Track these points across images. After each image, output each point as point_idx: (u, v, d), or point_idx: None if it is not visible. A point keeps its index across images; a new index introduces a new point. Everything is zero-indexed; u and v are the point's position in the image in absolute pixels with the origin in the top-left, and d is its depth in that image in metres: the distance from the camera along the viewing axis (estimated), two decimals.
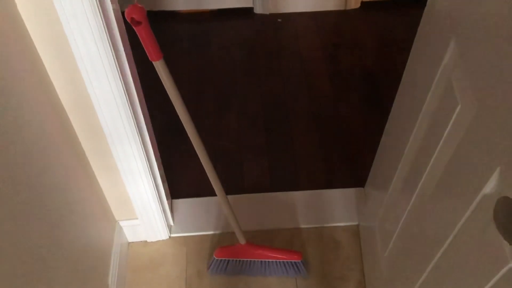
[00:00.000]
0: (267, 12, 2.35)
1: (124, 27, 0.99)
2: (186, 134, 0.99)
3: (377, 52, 2.16)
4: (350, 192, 1.61)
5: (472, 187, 0.67)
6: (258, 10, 2.35)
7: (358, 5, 2.37)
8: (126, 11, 0.75)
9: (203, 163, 1.07)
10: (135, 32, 0.79)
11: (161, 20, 2.31)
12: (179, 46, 2.20)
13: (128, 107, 1.04)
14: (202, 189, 1.62)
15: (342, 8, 2.36)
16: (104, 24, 0.87)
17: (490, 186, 0.62)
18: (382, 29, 2.28)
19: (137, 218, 1.41)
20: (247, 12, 2.36)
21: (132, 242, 1.50)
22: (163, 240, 1.50)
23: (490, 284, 0.61)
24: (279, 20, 2.33)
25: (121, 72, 0.98)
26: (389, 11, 2.36)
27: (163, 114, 1.82)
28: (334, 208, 1.57)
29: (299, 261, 1.35)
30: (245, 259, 1.37)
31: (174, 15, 2.36)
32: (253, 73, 2.08)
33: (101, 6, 0.85)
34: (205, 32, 2.28)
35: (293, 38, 2.23)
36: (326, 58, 2.13)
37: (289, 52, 2.16)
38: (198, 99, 1.96)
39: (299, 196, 1.60)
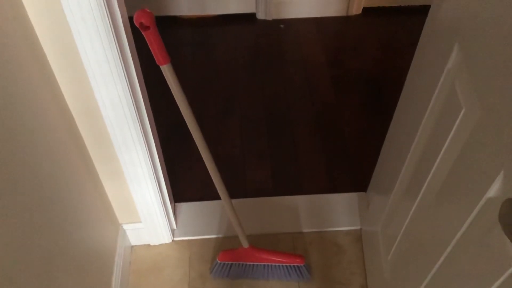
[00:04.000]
0: (270, 18, 2.36)
1: (131, 32, 1.00)
2: (189, 138, 1.00)
3: (379, 57, 2.18)
4: (352, 196, 1.62)
5: (476, 191, 0.67)
6: (260, 16, 2.36)
7: (360, 11, 2.39)
8: (135, 16, 0.76)
9: (207, 166, 1.07)
10: (139, 37, 0.80)
11: (164, 25, 2.32)
12: (182, 51, 2.22)
13: (134, 112, 1.05)
14: (205, 193, 1.63)
15: (344, 14, 2.38)
16: (112, 28, 0.88)
17: (494, 189, 0.63)
18: (384, 34, 2.30)
19: (140, 222, 1.41)
20: (249, 17, 2.38)
21: (135, 245, 1.51)
22: (166, 244, 1.51)
23: (494, 286, 0.62)
24: (281, 26, 2.34)
25: (128, 77, 0.99)
26: (390, 17, 2.37)
27: (167, 118, 1.83)
28: (337, 212, 1.57)
29: (302, 265, 1.36)
30: (248, 263, 1.38)
31: (177, 20, 2.38)
32: (256, 78, 2.09)
33: (109, 11, 0.86)
34: (208, 37, 2.29)
35: (295, 43, 2.25)
36: (328, 63, 2.14)
37: (291, 57, 2.18)
38: (201, 103, 1.97)
39: (301, 200, 1.61)
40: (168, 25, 2.34)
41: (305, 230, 1.53)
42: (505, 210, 0.56)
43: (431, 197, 0.88)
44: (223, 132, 1.86)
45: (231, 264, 1.38)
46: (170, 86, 0.89)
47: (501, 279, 0.60)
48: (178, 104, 0.92)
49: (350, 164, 1.75)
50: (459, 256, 0.75)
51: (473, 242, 0.70)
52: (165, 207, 1.39)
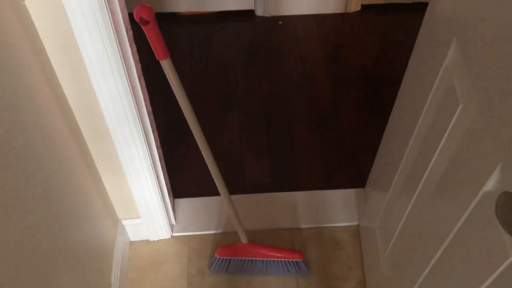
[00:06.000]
0: (268, 15, 2.36)
1: (131, 27, 1.00)
2: (188, 134, 1.00)
3: (377, 54, 2.18)
4: (350, 192, 1.62)
5: (473, 185, 0.68)
6: (259, 12, 2.36)
7: (359, 8, 2.39)
8: (135, 10, 0.77)
9: (207, 162, 1.08)
10: (139, 32, 0.80)
11: (162, 22, 2.32)
12: (181, 48, 2.22)
13: (134, 107, 1.05)
14: (203, 189, 1.64)
15: (342, 10, 2.38)
16: (112, 24, 0.88)
17: (491, 183, 0.64)
18: (382, 31, 2.30)
19: (139, 217, 1.42)
20: (248, 14, 2.38)
21: (134, 241, 1.51)
22: (165, 239, 1.51)
23: (491, 279, 0.63)
24: (280, 22, 2.34)
25: (127, 73, 0.99)
26: (389, 14, 2.38)
27: (165, 114, 1.84)
28: (335, 208, 1.58)
29: (300, 260, 1.36)
30: (247, 258, 1.38)
31: (176, 17, 2.37)
32: (254, 74, 2.09)
33: (109, 6, 0.86)
34: (207, 34, 2.29)
35: (294, 40, 2.25)
36: (326, 60, 2.14)
37: (290, 54, 2.18)
38: (199, 100, 1.97)
39: (300, 196, 1.62)
40: (167, 21, 2.34)
41: (303, 226, 1.54)
42: (502, 203, 0.56)
43: (429, 192, 0.88)
44: (222, 128, 1.87)
45: (230, 259, 1.39)
46: (169, 81, 0.89)
47: (498, 271, 0.60)
48: (178, 100, 0.93)
49: (348, 160, 1.75)
50: (456, 250, 0.75)
51: (470, 236, 0.70)
52: (164, 203, 1.40)
